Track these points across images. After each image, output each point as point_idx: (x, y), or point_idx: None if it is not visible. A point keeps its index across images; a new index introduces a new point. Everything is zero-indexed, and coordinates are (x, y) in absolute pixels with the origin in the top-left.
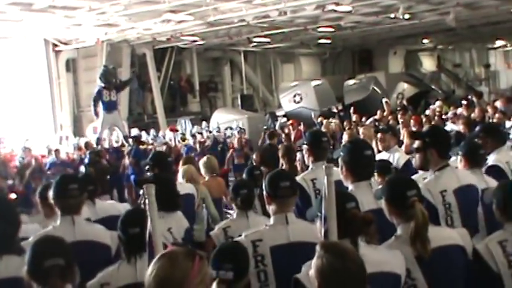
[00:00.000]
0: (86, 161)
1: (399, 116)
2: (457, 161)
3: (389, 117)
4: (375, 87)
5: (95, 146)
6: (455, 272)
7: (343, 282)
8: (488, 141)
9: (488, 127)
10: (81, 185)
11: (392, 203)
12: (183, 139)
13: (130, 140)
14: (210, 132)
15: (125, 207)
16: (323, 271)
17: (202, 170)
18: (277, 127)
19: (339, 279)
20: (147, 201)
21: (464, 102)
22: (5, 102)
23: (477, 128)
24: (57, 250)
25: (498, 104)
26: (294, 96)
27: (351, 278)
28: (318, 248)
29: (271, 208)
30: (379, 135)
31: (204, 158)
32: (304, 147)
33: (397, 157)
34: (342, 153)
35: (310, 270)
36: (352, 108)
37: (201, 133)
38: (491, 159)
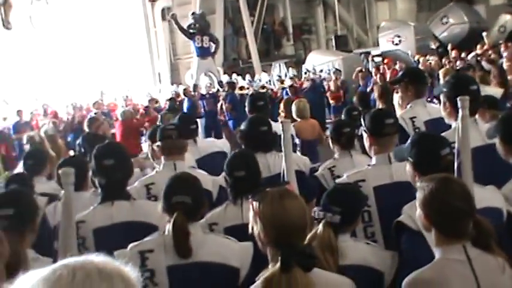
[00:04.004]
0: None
1: (502, 50)
2: None
3: (490, 51)
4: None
5: (192, 92)
6: None
7: (449, 203)
8: None
9: None
10: (178, 128)
11: (510, 141)
12: (281, 81)
13: (225, 86)
14: (305, 73)
15: (224, 143)
16: (426, 199)
17: (294, 113)
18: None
19: (444, 200)
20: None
21: None
22: (105, 54)
23: None
24: (185, 189)
25: None
26: (393, 37)
27: (457, 198)
28: (419, 184)
29: (373, 148)
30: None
31: (296, 101)
32: (403, 84)
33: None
34: (444, 89)
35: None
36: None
37: (296, 76)
38: None
